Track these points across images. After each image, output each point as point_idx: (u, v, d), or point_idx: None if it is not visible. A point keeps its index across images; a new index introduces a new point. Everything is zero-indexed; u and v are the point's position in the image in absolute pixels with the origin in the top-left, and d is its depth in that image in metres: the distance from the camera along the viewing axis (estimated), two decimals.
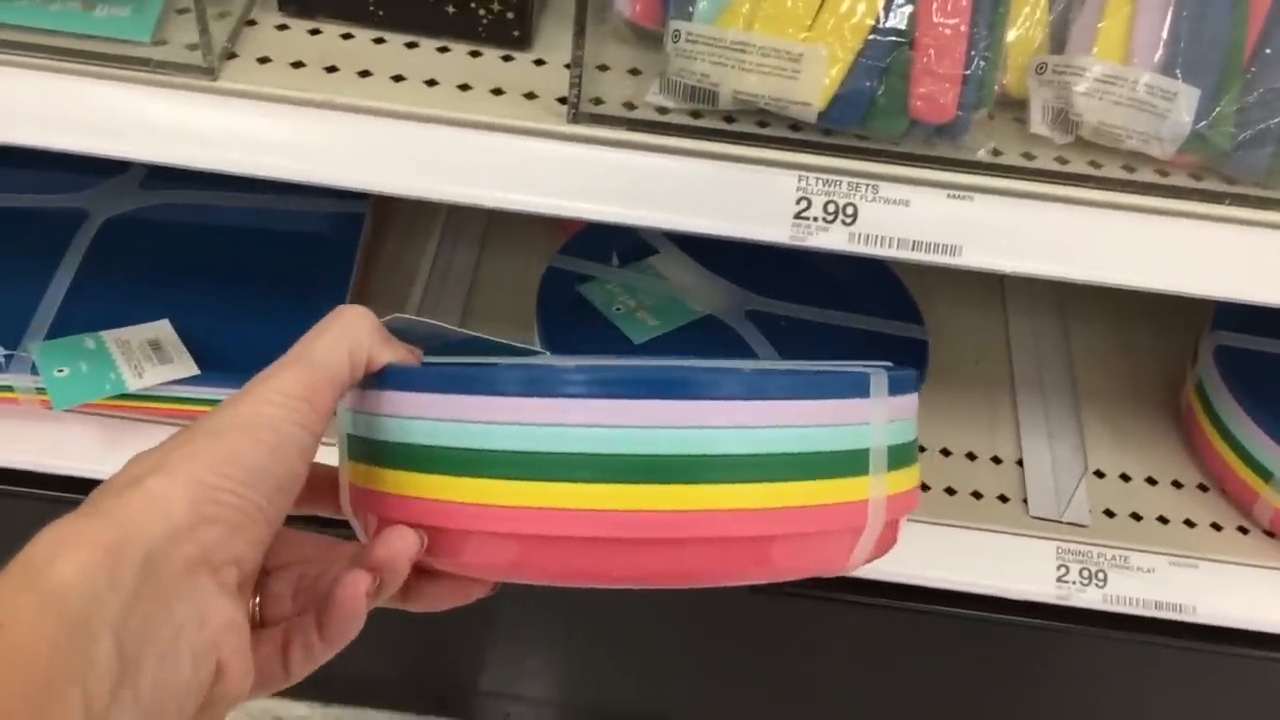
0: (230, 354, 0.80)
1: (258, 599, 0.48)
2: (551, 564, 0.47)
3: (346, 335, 0.47)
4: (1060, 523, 0.82)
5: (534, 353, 0.55)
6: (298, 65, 0.65)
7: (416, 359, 0.50)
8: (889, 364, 0.55)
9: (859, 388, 0.49)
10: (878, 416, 0.50)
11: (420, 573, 0.49)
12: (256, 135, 0.64)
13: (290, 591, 0.49)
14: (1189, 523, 0.83)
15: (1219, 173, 0.64)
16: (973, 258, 0.65)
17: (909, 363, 0.81)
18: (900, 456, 0.52)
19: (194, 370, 0.77)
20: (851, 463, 0.49)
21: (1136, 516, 0.83)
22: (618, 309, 0.86)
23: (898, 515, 0.52)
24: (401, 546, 0.46)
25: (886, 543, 0.52)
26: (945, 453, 0.86)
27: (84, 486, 0.81)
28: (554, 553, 0.46)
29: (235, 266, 0.87)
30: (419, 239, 0.94)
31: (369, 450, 0.49)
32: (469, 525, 0.46)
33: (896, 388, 0.51)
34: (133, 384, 0.75)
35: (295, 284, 0.86)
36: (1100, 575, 0.80)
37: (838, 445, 0.49)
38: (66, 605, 0.37)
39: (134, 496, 0.40)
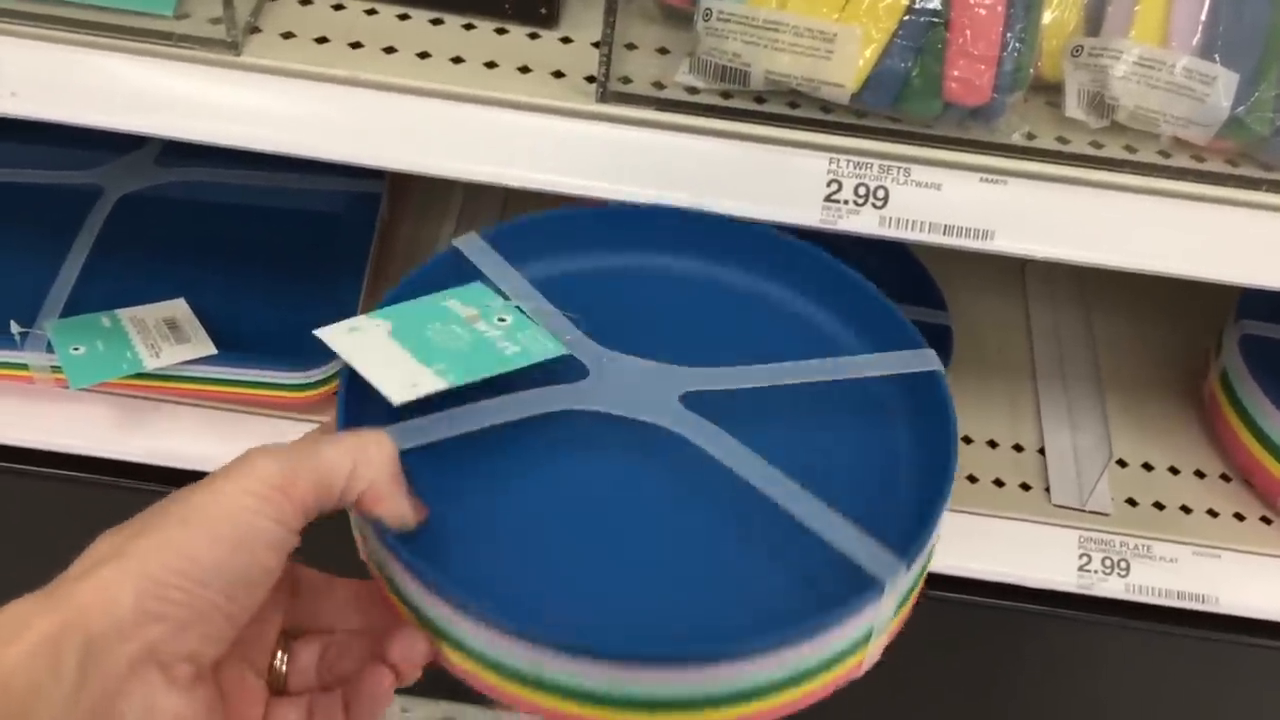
0: (247, 333, 0.79)
1: (285, 660, 0.49)
2: None
3: (357, 458, 0.45)
4: (1082, 511, 0.81)
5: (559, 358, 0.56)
6: (322, 41, 0.64)
7: (420, 514, 0.48)
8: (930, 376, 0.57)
9: (877, 595, 0.49)
10: (888, 603, 0.51)
11: None
12: (279, 111, 0.63)
13: (314, 664, 0.50)
14: (1212, 513, 0.83)
15: (1256, 159, 0.64)
16: (1005, 243, 0.64)
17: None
18: (904, 600, 0.53)
19: (211, 349, 0.76)
20: (860, 641, 0.51)
21: (1159, 506, 0.83)
22: None
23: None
24: (415, 657, 0.48)
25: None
26: (967, 440, 0.85)
27: (100, 466, 0.80)
28: None
29: (251, 245, 0.86)
30: (435, 220, 0.93)
31: (382, 566, 0.49)
32: (476, 685, 0.48)
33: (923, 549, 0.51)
34: (150, 363, 0.74)
35: (312, 264, 0.85)
36: (1123, 565, 0.79)
37: (847, 642, 0.50)
38: (10, 693, 0.37)
39: (86, 585, 0.40)
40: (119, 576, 0.40)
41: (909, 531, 0.51)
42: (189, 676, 0.42)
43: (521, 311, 0.58)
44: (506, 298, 0.59)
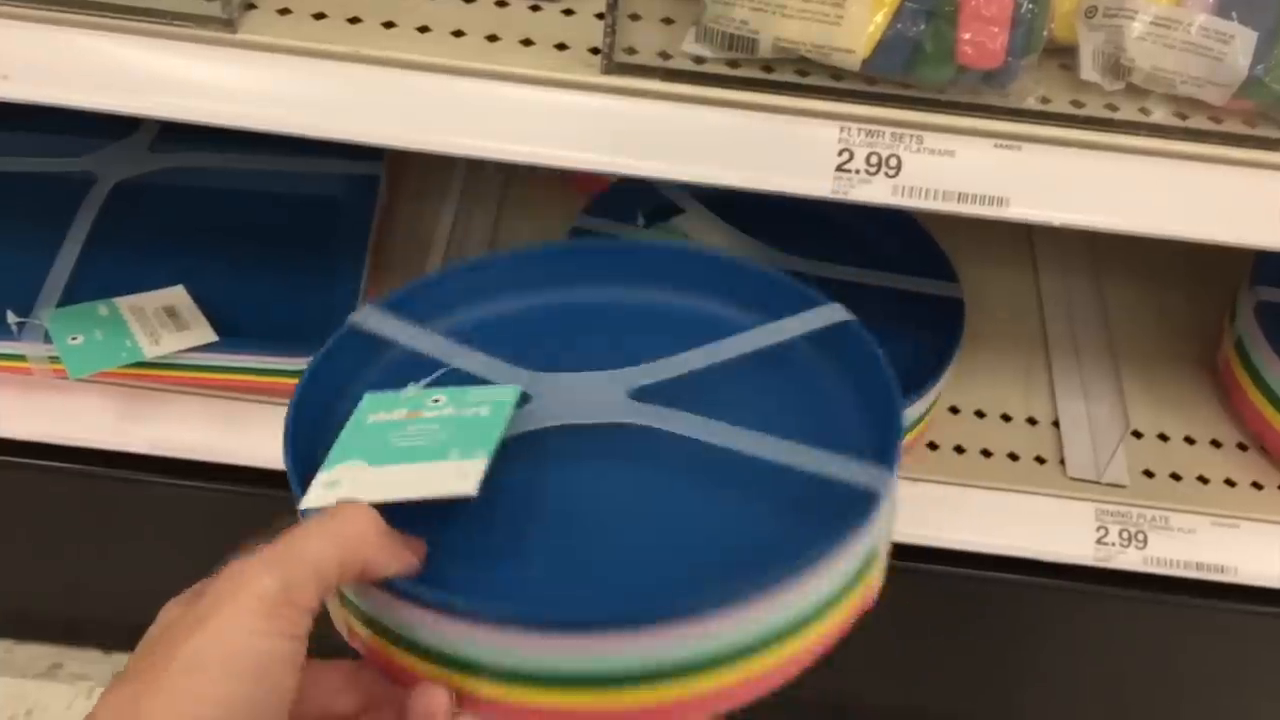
0: (247, 320, 0.78)
1: None
2: None
3: (340, 539, 0.44)
4: (1099, 484, 0.80)
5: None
6: (319, 16, 0.63)
7: (419, 552, 0.47)
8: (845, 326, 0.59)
9: (867, 515, 0.48)
10: (884, 519, 0.50)
11: None
12: (277, 89, 0.62)
13: None
14: (1229, 482, 0.82)
15: (1275, 119, 0.62)
16: (1020, 210, 0.63)
17: (945, 322, 0.79)
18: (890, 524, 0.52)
19: (211, 337, 0.75)
20: (865, 571, 0.50)
21: (1176, 477, 0.82)
22: None
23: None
24: (437, 707, 0.45)
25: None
26: (980, 414, 0.84)
27: (100, 458, 0.79)
28: None
29: (249, 230, 0.85)
30: (435, 201, 0.92)
31: (374, 625, 0.48)
32: (486, 712, 0.47)
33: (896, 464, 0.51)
34: (149, 351, 0.73)
35: (311, 248, 0.84)
36: (1140, 536, 0.78)
37: (850, 573, 0.49)
38: None
39: None
40: None
41: (882, 444, 0.52)
42: None
43: (441, 384, 0.57)
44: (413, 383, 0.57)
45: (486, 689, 0.46)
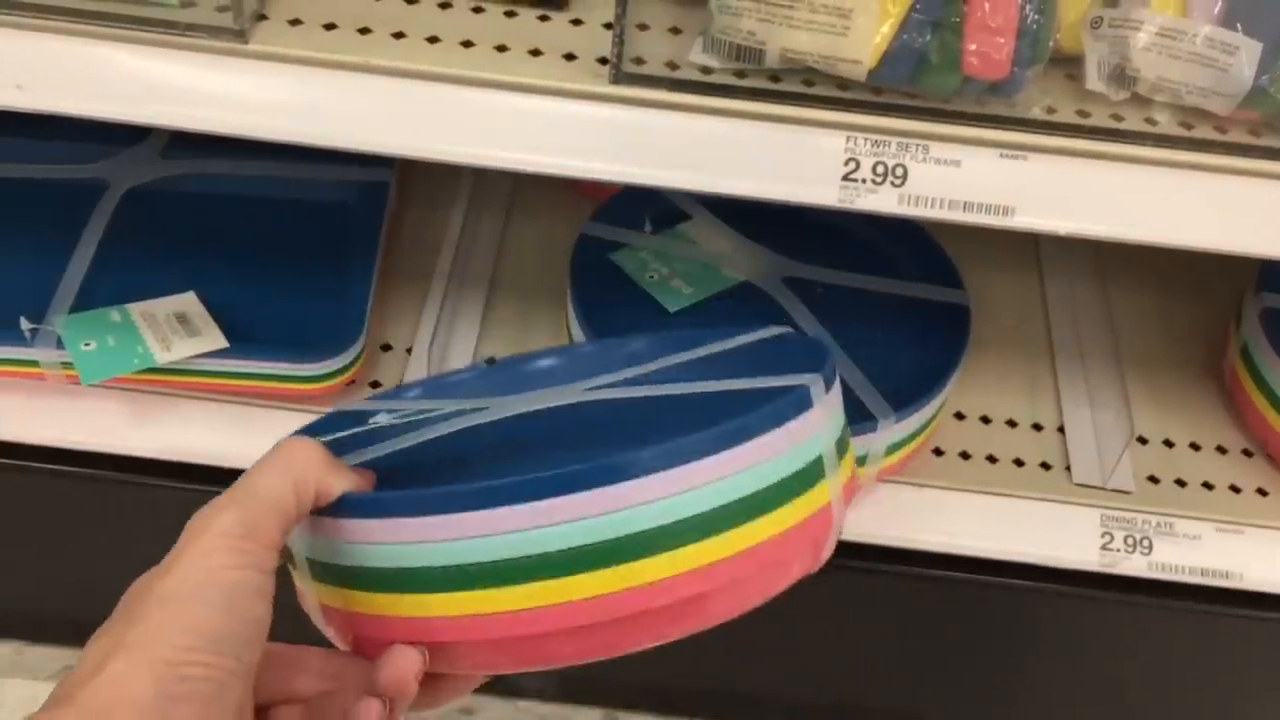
0: (258, 326, 0.78)
1: None
2: (540, 654, 0.47)
3: (291, 468, 0.45)
4: (1104, 490, 0.80)
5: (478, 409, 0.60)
6: (330, 27, 0.63)
7: (368, 481, 0.49)
8: (784, 334, 0.63)
9: (802, 405, 0.49)
10: (821, 421, 0.50)
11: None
12: (288, 99, 0.63)
13: None
14: (1234, 488, 0.82)
15: None
16: (1025, 219, 0.63)
17: (951, 328, 0.80)
18: (843, 444, 0.52)
19: (222, 343, 0.75)
20: (808, 477, 0.49)
21: (1181, 483, 0.82)
22: (651, 276, 0.84)
23: (850, 499, 0.52)
24: (406, 666, 0.46)
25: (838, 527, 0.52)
26: (985, 420, 0.85)
27: (112, 463, 0.80)
28: (540, 645, 0.46)
29: (259, 237, 0.85)
30: (444, 207, 0.93)
31: (335, 573, 0.48)
32: (449, 637, 0.46)
33: (830, 381, 0.52)
34: (161, 357, 0.73)
35: (322, 254, 0.84)
36: (1145, 543, 0.79)
37: (793, 469, 0.48)
38: None
39: (101, 684, 0.39)
40: (131, 669, 0.39)
41: (814, 365, 0.52)
42: None
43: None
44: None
45: (442, 605, 0.45)
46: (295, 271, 0.83)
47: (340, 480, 0.46)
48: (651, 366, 0.63)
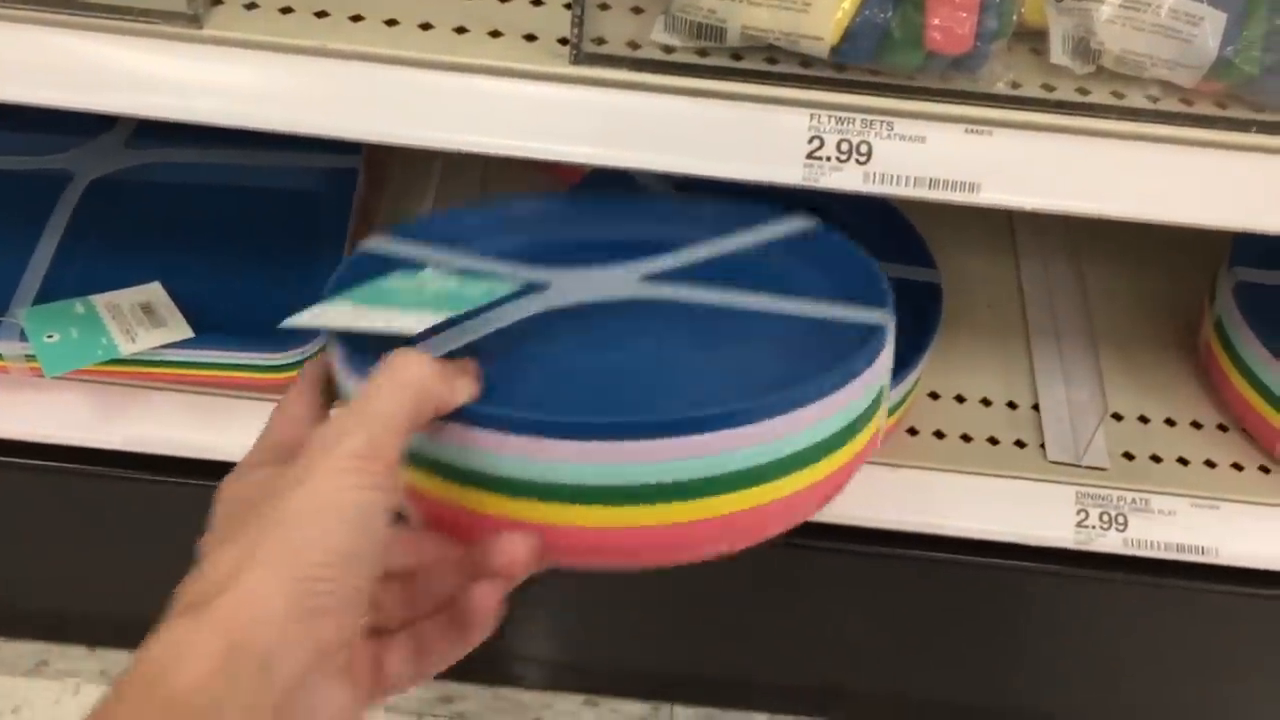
0: (224, 316, 0.77)
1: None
2: (635, 559, 0.51)
3: (410, 388, 0.46)
4: (1079, 467, 0.80)
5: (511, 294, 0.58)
6: (286, 11, 0.62)
7: (477, 382, 0.50)
8: (816, 228, 0.67)
9: (883, 344, 0.55)
10: (887, 360, 0.57)
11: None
12: (245, 84, 0.62)
13: (401, 600, 0.49)
14: (1209, 463, 0.82)
15: (1245, 99, 0.62)
16: (992, 195, 0.63)
17: (924, 307, 0.79)
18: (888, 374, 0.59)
19: (188, 333, 0.74)
20: (876, 406, 0.57)
21: (1156, 459, 0.82)
22: None
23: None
24: (521, 552, 0.48)
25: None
26: (959, 399, 0.84)
27: (78, 456, 0.79)
28: (636, 554, 0.51)
29: (226, 226, 0.85)
30: (414, 195, 0.92)
31: (442, 469, 0.50)
32: (554, 540, 0.49)
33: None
34: (125, 348, 0.73)
35: (289, 242, 0.83)
36: (1120, 519, 0.79)
37: (870, 401, 0.55)
38: (193, 713, 0.38)
39: (237, 598, 0.40)
40: (266, 584, 0.40)
41: (877, 295, 0.59)
42: (344, 663, 0.43)
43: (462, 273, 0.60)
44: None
45: (546, 512, 0.49)
46: (262, 260, 0.82)
47: (457, 392, 0.48)
48: (697, 253, 0.65)
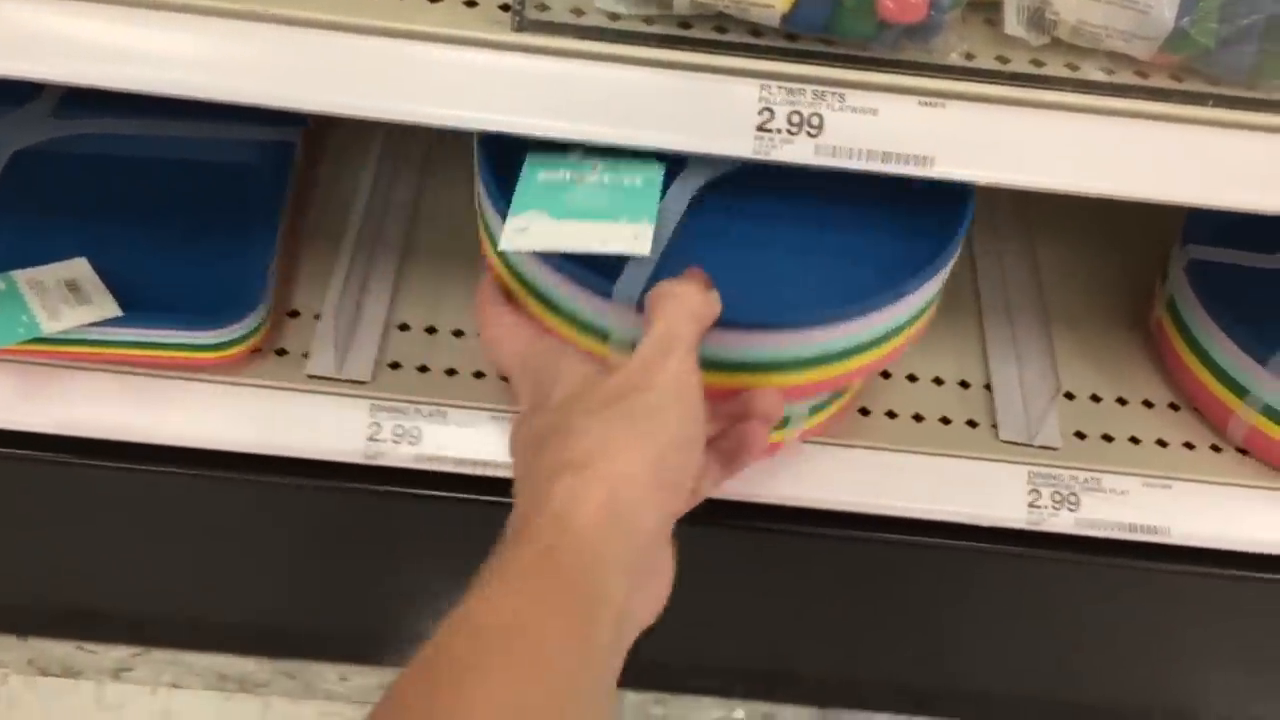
0: (154, 293, 0.74)
1: None
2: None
3: (696, 318, 0.58)
4: (1031, 447, 0.79)
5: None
6: None
7: (711, 287, 0.60)
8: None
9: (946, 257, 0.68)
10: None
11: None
12: (178, 51, 0.60)
13: None
14: (1161, 443, 0.81)
15: (1201, 73, 0.61)
16: (945, 169, 0.62)
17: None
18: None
19: (115, 311, 0.72)
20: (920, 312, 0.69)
21: (1108, 438, 0.81)
22: None
23: None
24: (777, 396, 0.62)
25: None
26: (911, 378, 0.83)
27: (2, 439, 0.76)
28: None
29: (158, 200, 0.81)
30: (355, 168, 0.89)
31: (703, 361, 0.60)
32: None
33: None
34: (48, 327, 0.70)
35: (223, 217, 0.80)
36: (1072, 499, 0.78)
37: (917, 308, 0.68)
38: (592, 540, 0.49)
39: (613, 462, 0.51)
40: (633, 456, 0.51)
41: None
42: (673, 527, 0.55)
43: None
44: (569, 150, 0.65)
45: (777, 379, 0.64)
46: (195, 236, 0.79)
47: (712, 309, 0.59)
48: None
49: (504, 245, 0.60)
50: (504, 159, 0.65)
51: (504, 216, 0.62)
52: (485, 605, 0.46)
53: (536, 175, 0.63)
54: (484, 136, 0.65)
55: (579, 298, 0.63)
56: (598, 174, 0.63)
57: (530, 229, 0.60)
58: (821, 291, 0.65)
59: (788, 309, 0.63)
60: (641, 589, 0.52)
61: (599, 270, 0.62)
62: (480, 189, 0.66)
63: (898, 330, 0.67)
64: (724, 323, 0.60)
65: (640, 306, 0.60)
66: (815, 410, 0.74)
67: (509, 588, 0.47)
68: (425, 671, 0.44)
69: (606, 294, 0.62)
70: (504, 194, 0.63)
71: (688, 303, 0.57)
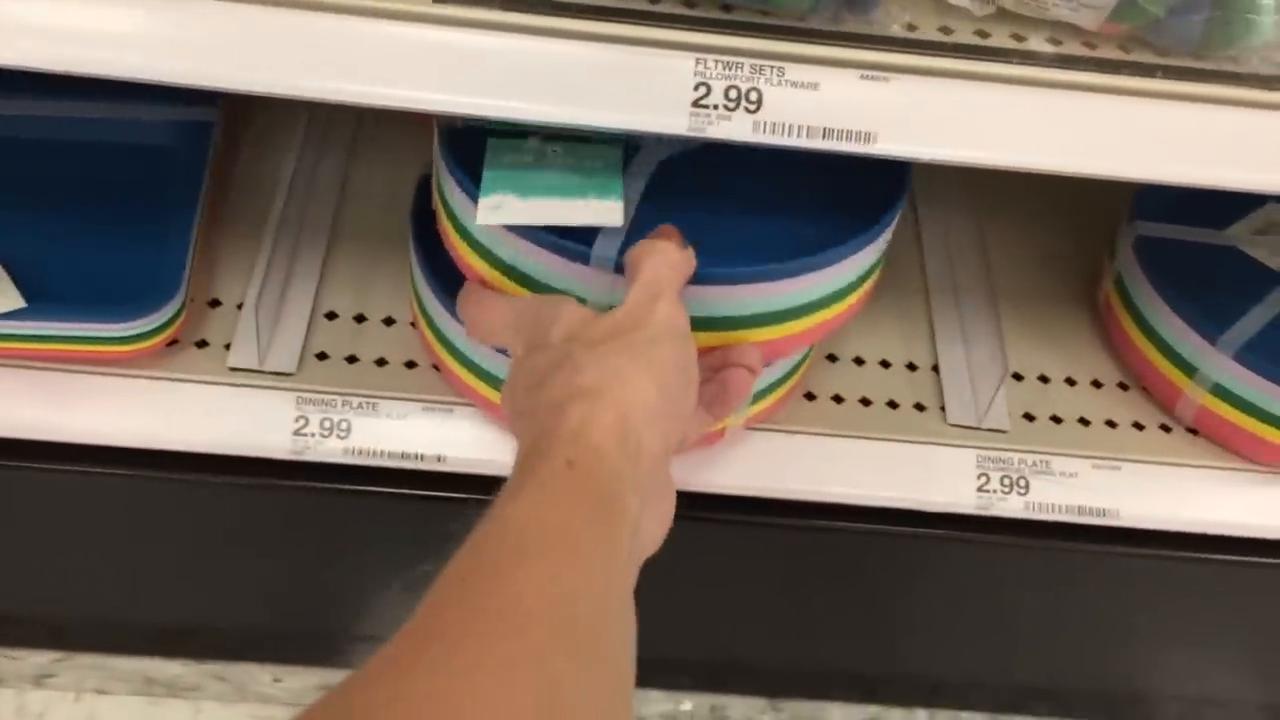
0: (62, 284, 0.71)
1: None
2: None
3: (678, 268, 0.60)
4: (979, 430, 0.78)
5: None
6: None
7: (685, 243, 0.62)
8: None
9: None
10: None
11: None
12: (85, 26, 0.56)
13: None
14: (1110, 423, 0.80)
15: (1150, 43, 0.59)
16: (888, 145, 0.59)
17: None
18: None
19: (19, 303, 0.68)
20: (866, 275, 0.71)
21: (1057, 419, 0.80)
22: None
23: None
24: (754, 357, 0.65)
25: None
26: (859, 361, 0.81)
27: None
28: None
29: (67, 185, 0.77)
30: (278, 149, 0.86)
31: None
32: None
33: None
34: None
35: (136, 202, 0.77)
36: (1022, 482, 0.76)
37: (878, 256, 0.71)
38: (606, 456, 0.51)
39: (623, 389, 0.54)
40: (643, 382, 0.54)
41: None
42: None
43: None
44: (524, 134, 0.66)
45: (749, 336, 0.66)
46: (107, 222, 0.75)
47: (691, 261, 0.61)
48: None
49: (481, 220, 0.62)
50: (466, 150, 0.66)
51: (475, 200, 0.63)
52: (518, 510, 0.48)
53: (502, 159, 0.65)
54: (445, 128, 0.67)
55: (555, 264, 0.63)
56: (559, 158, 0.65)
57: (503, 207, 0.63)
58: (778, 252, 0.66)
59: (755, 263, 0.65)
60: (649, 510, 0.54)
61: (574, 238, 0.63)
62: (448, 180, 0.66)
63: (851, 287, 0.69)
64: (695, 279, 0.62)
65: (618, 269, 0.62)
66: (759, 396, 0.72)
67: (538, 496, 0.49)
68: (469, 564, 0.46)
69: (584, 259, 0.63)
70: (474, 181, 0.64)
71: (669, 255, 0.60)
